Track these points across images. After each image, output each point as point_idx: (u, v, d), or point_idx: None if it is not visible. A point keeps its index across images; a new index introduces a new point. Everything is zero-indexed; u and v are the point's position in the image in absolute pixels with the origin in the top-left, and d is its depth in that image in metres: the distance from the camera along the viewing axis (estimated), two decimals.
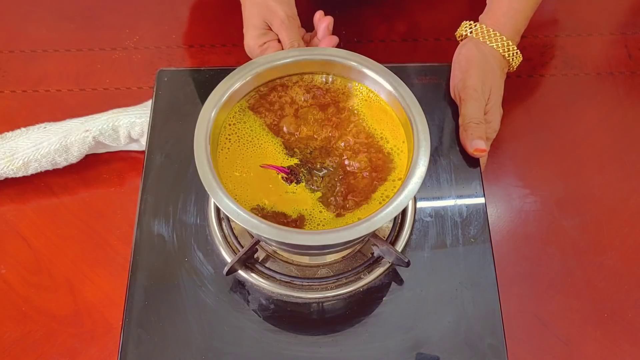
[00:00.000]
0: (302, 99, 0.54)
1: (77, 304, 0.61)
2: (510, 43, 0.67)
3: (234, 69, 0.51)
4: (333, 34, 0.72)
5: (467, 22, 0.70)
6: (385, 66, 0.52)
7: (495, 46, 0.67)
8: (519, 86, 0.78)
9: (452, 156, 0.63)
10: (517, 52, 0.68)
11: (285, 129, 0.53)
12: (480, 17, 0.71)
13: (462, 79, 0.64)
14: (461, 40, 0.71)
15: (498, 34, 0.67)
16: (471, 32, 0.68)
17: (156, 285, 0.56)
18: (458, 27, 0.71)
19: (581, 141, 0.74)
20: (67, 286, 0.62)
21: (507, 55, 0.68)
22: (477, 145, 0.61)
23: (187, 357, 0.53)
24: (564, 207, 0.69)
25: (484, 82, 0.64)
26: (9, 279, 0.63)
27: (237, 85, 0.51)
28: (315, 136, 0.53)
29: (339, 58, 0.53)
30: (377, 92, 0.53)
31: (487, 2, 0.72)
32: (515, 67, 0.70)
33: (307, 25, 0.75)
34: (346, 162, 0.51)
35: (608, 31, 0.84)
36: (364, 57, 0.53)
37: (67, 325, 0.60)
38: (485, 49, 0.67)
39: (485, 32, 0.68)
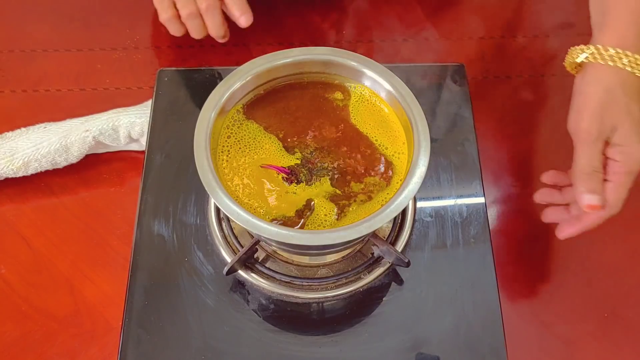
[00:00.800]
0: (302, 100, 0.54)
1: (77, 304, 0.61)
2: (638, 57, 0.56)
3: (234, 69, 0.51)
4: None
5: (578, 47, 0.59)
6: (385, 66, 0.52)
7: (621, 66, 0.56)
8: (519, 86, 0.78)
9: (452, 156, 0.63)
10: None
11: (284, 129, 0.53)
12: (595, 36, 0.59)
13: (575, 119, 0.57)
14: (575, 70, 0.60)
15: (621, 52, 0.56)
16: (587, 59, 0.57)
17: (156, 285, 0.56)
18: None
19: None
20: (67, 286, 0.62)
21: (638, 73, 0.56)
22: (588, 201, 0.54)
23: (187, 357, 0.53)
24: None
25: (603, 121, 0.55)
26: (9, 279, 0.63)
27: (236, 86, 0.51)
28: (314, 136, 0.53)
29: (339, 58, 0.53)
30: (377, 92, 0.53)
31: (593, 15, 0.60)
32: None
33: (307, 26, 0.75)
34: (346, 163, 0.51)
35: None
36: (364, 57, 0.53)
37: (67, 325, 0.60)
38: (609, 78, 0.56)
39: (613, 54, 0.56)
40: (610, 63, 0.56)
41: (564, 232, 0.59)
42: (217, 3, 0.69)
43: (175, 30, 0.72)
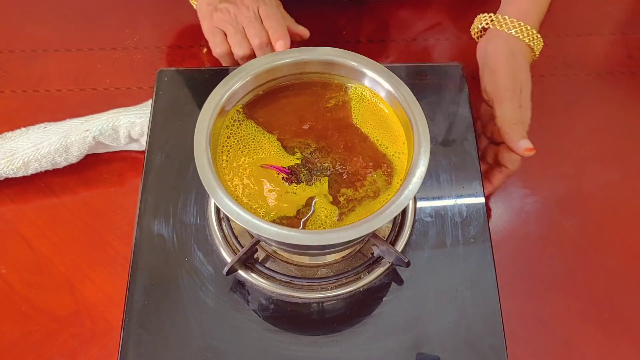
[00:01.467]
0: (302, 100, 0.54)
1: (77, 304, 0.61)
2: (534, 31, 0.66)
3: (234, 69, 0.51)
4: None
5: (484, 14, 0.68)
6: (385, 66, 0.52)
7: (521, 36, 0.66)
8: None
9: (452, 156, 0.63)
10: (538, 37, 0.67)
11: (284, 129, 0.53)
12: (502, 8, 0.69)
13: (492, 79, 0.64)
14: (479, 35, 0.70)
15: (522, 24, 0.66)
16: (492, 24, 0.67)
17: (156, 285, 0.56)
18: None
19: (581, 141, 0.74)
20: (67, 286, 0.62)
21: (532, 45, 0.66)
22: (526, 145, 0.61)
23: (187, 357, 0.53)
24: (564, 207, 0.69)
25: (514, 79, 0.64)
26: (9, 279, 0.63)
27: (236, 86, 0.51)
28: (314, 136, 0.53)
29: (339, 58, 0.53)
30: (377, 92, 0.53)
31: None
32: (538, 53, 0.68)
33: (306, 27, 0.75)
34: (347, 163, 0.51)
35: (608, 31, 0.84)
36: (364, 57, 0.53)
37: (67, 325, 0.60)
38: (511, 42, 0.66)
39: (509, 22, 0.66)
40: (512, 32, 0.65)
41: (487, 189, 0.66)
42: (268, 39, 0.70)
43: (226, 63, 0.72)
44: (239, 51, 0.69)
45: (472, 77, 0.69)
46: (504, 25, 0.66)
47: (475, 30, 0.70)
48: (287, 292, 0.55)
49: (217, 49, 0.70)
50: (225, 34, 0.70)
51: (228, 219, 0.58)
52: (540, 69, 0.79)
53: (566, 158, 0.73)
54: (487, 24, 0.68)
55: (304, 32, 0.74)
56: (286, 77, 0.54)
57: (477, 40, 0.71)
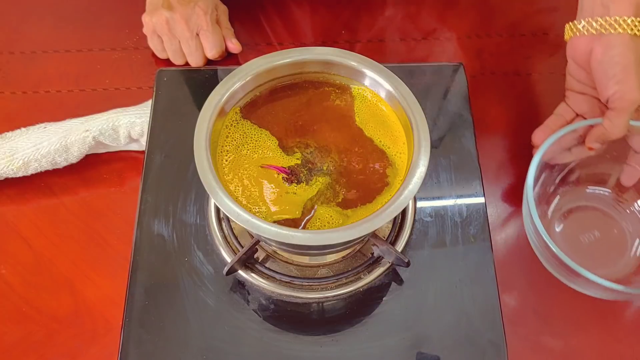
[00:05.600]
0: (302, 100, 0.54)
1: (78, 304, 0.61)
2: None
3: (234, 69, 0.51)
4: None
5: (592, 19, 0.59)
6: (385, 66, 0.52)
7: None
8: (519, 84, 0.78)
9: (452, 156, 0.63)
10: None
11: (283, 129, 0.53)
12: (610, 7, 0.59)
13: (619, 90, 0.58)
14: (569, 34, 0.62)
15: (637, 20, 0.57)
16: (609, 29, 0.58)
17: (156, 285, 0.56)
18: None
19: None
20: (67, 286, 0.62)
21: None
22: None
23: (187, 357, 0.53)
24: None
25: None
26: (9, 279, 0.63)
27: (236, 86, 0.51)
28: (314, 136, 0.53)
29: (339, 58, 0.53)
30: (377, 92, 0.53)
31: None
32: None
33: (307, 26, 0.75)
34: (347, 163, 0.51)
35: None
36: (364, 57, 0.53)
37: (67, 325, 0.60)
38: (636, 46, 0.58)
39: (631, 24, 0.57)
40: (637, 32, 0.57)
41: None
42: (204, 59, 0.76)
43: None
44: (175, 62, 0.77)
45: (471, 77, 0.69)
46: (626, 29, 0.57)
47: (575, 30, 0.61)
48: (287, 292, 0.55)
49: (158, 54, 0.77)
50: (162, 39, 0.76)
51: (228, 219, 0.59)
52: (540, 67, 0.80)
53: None
54: (598, 29, 0.59)
55: (235, 48, 0.77)
56: (286, 77, 0.54)
57: (566, 39, 0.63)
